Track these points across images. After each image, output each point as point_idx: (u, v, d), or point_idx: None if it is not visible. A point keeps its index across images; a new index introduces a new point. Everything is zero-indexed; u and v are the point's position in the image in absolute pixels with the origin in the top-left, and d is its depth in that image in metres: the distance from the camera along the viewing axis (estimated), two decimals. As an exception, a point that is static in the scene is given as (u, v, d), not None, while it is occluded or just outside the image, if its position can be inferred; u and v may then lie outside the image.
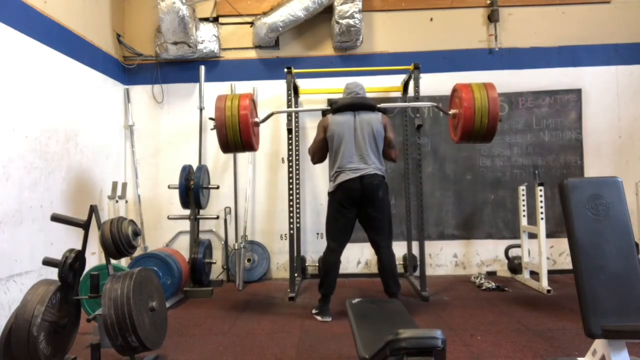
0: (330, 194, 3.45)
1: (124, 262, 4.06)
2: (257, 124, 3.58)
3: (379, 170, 3.37)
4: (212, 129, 3.44)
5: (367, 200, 3.32)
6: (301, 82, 4.75)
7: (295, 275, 4.07)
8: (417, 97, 4.06)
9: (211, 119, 3.42)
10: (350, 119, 3.41)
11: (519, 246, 4.45)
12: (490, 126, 3.27)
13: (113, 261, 2.56)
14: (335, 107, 3.48)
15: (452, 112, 3.52)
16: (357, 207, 3.36)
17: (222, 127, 3.31)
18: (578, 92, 4.88)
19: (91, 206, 2.49)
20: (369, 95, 4.87)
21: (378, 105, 3.51)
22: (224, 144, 3.40)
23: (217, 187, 4.64)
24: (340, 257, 3.43)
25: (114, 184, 4.42)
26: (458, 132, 3.42)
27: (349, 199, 3.33)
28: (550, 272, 4.12)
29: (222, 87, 4.99)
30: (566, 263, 4.76)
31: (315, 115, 5.01)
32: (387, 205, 3.40)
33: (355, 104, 3.45)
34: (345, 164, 3.34)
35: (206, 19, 4.98)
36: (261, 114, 3.76)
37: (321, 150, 3.54)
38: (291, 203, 4.12)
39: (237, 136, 3.33)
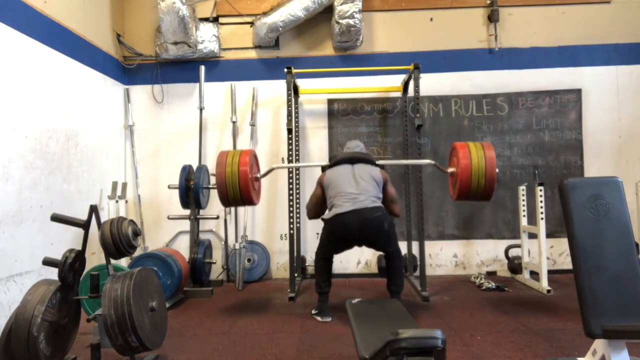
0: (325, 221, 3.37)
1: (124, 262, 4.06)
2: (257, 179, 3.58)
3: (379, 203, 3.28)
4: (213, 185, 3.43)
5: (370, 238, 3.26)
6: (301, 82, 4.75)
7: (295, 275, 4.07)
8: (417, 97, 4.06)
9: (213, 175, 3.43)
10: (348, 169, 3.39)
11: (519, 246, 4.45)
12: (487, 187, 3.24)
13: (113, 261, 2.56)
14: (333, 161, 3.50)
15: (450, 170, 3.51)
16: (356, 244, 3.34)
17: (223, 183, 3.31)
18: (578, 92, 4.88)
19: (91, 206, 2.49)
20: (368, 95, 4.93)
21: (377, 162, 3.51)
22: (224, 200, 3.40)
23: (217, 187, 4.64)
24: (332, 256, 3.45)
25: (114, 184, 4.42)
26: (456, 190, 3.40)
27: (345, 236, 3.26)
28: (550, 272, 4.12)
29: (222, 87, 4.99)
30: (566, 263, 4.76)
31: (315, 115, 5.01)
32: (394, 233, 3.33)
33: (353, 158, 3.45)
34: (342, 196, 3.25)
35: (206, 19, 4.98)
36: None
37: (318, 206, 3.49)
38: (291, 203, 4.12)
39: (237, 192, 3.32)
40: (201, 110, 4.86)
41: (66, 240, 3.67)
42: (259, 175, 3.60)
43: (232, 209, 4.82)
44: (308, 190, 4.91)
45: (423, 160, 3.92)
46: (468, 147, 3.31)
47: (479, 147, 3.30)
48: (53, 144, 3.68)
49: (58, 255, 2.44)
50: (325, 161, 3.69)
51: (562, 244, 4.74)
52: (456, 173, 3.37)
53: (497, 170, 3.23)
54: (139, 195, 4.93)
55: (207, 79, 4.93)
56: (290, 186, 4.16)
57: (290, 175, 4.21)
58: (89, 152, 4.24)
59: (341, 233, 3.26)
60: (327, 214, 3.35)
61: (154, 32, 5.01)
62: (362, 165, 3.40)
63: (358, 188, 3.26)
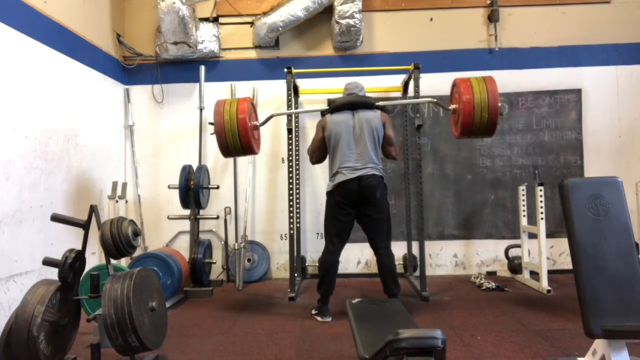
0: (328, 193, 3.45)
1: (124, 262, 4.06)
2: (256, 127, 3.57)
3: (378, 170, 3.35)
4: (211, 134, 3.41)
5: (365, 201, 3.30)
6: (301, 82, 4.75)
7: (295, 275, 4.07)
8: (417, 97, 4.06)
9: (210, 123, 3.41)
10: (349, 118, 3.40)
11: (519, 246, 4.45)
12: (490, 121, 3.20)
13: (113, 261, 2.56)
14: (333, 106, 3.47)
15: (452, 107, 3.46)
16: (355, 208, 3.35)
17: (222, 131, 3.29)
18: (578, 92, 4.88)
19: (91, 206, 2.49)
20: (369, 95, 4.92)
21: (377, 103, 3.49)
22: (224, 149, 3.37)
23: (217, 187, 4.64)
24: (339, 258, 3.42)
25: (114, 184, 4.42)
26: (458, 127, 3.37)
27: (347, 199, 3.32)
28: (550, 272, 4.12)
29: (222, 87, 4.99)
30: (566, 263, 4.76)
31: (315, 116, 5.00)
32: (385, 205, 3.39)
33: (353, 103, 3.43)
34: (343, 164, 3.33)
35: (206, 19, 4.98)
36: (261, 115, 3.76)
37: (319, 150, 3.53)
38: (291, 203, 4.12)
39: (237, 140, 3.31)
40: (201, 110, 4.86)
41: (66, 240, 3.67)
42: (257, 124, 3.58)
43: (232, 208, 4.82)
44: (308, 190, 4.93)
45: (424, 99, 3.94)
46: (469, 81, 3.27)
47: (481, 80, 3.27)
48: (53, 144, 3.68)
49: (58, 255, 2.44)
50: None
51: (562, 244, 4.74)
52: (458, 109, 3.33)
53: (500, 103, 3.19)
54: (139, 195, 4.93)
55: (207, 79, 4.93)
56: (290, 186, 4.16)
57: (290, 175, 4.21)
58: (89, 152, 4.24)
59: (344, 196, 3.31)
60: (329, 185, 3.41)
61: (154, 32, 5.01)
62: (363, 113, 3.40)
63: (358, 150, 3.33)
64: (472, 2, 4.98)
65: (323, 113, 3.59)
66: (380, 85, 4.82)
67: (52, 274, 2.98)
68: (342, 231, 3.40)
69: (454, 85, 3.46)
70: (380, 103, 3.54)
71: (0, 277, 3.06)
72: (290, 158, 4.16)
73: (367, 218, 3.36)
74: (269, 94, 4.98)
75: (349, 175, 3.29)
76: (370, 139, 3.36)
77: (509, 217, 4.83)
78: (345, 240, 3.43)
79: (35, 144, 3.46)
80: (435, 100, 3.69)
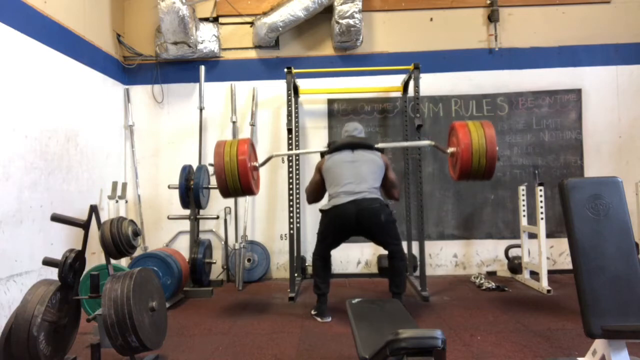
0: (323, 212, 3.36)
1: (124, 262, 4.06)
2: (256, 168, 3.55)
3: (378, 196, 3.27)
4: (211, 175, 3.39)
5: (367, 228, 3.24)
6: (301, 82, 4.75)
7: (295, 275, 4.07)
8: (417, 97, 4.06)
9: (210, 165, 3.39)
10: (348, 154, 3.38)
11: (519, 246, 4.45)
12: (488, 166, 3.19)
13: (113, 261, 2.56)
14: (333, 147, 3.48)
15: (449, 150, 3.46)
16: (353, 234, 3.31)
17: (221, 173, 3.26)
18: (578, 92, 4.88)
19: (91, 206, 2.49)
20: (368, 95, 4.93)
21: (376, 145, 3.49)
22: (224, 190, 3.34)
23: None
24: (330, 254, 3.42)
25: (114, 184, 4.42)
26: (457, 171, 3.36)
27: (343, 226, 3.25)
28: (550, 272, 4.12)
29: (222, 87, 4.99)
30: (566, 263, 4.75)
31: (315, 115, 5.01)
32: (392, 227, 3.29)
33: (352, 143, 3.43)
34: (340, 187, 3.25)
35: (206, 19, 4.98)
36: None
37: (317, 192, 3.48)
38: (291, 203, 4.12)
39: (237, 181, 3.27)
40: (201, 110, 4.86)
41: (66, 240, 3.67)
42: (257, 164, 3.58)
43: (232, 208, 4.82)
44: (308, 190, 4.92)
45: (423, 141, 3.87)
46: (467, 126, 3.26)
47: (479, 125, 3.25)
48: (53, 144, 3.68)
49: (58, 255, 2.44)
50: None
51: (562, 244, 4.74)
52: (457, 153, 3.32)
53: (497, 147, 3.18)
54: (139, 195, 4.93)
55: (207, 79, 4.93)
56: (290, 186, 4.16)
57: (290, 175, 4.21)
58: (89, 152, 4.24)
59: (339, 222, 3.24)
60: (325, 205, 3.33)
61: (154, 32, 5.01)
62: (362, 152, 3.38)
63: (357, 178, 3.25)
64: (472, 2, 4.98)
65: (323, 154, 3.58)
66: (380, 85, 4.82)
67: (52, 274, 2.98)
68: (335, 245, 3.41)
69: (452, 129, 3.44)
70: (380, 145, 3.54)
71: (0, 277, 3.06)
72: (290, 158, 4.16)
73: (373, 240, 3.36)
74: (269, 94, 4.98)
75: (345, 199, 3.20)
76: (370, 173, 3.30)
77: (509, 217, 4.83)
78: (338, 245, 3.46)
79: (35, 144, 3.46)
80: (433, 143, 3.64)
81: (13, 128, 3.21)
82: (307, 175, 4.89)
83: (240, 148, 3.29)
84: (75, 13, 4.09)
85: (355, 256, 4.87)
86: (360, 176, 3.26)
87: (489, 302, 3.72)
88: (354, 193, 3.21)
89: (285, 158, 4.79)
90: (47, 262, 2.41)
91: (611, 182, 1.92)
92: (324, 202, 3.45)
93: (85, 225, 2.47)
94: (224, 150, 3.30)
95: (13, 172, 3.20)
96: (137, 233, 2.56)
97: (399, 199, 3.62)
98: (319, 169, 3.47)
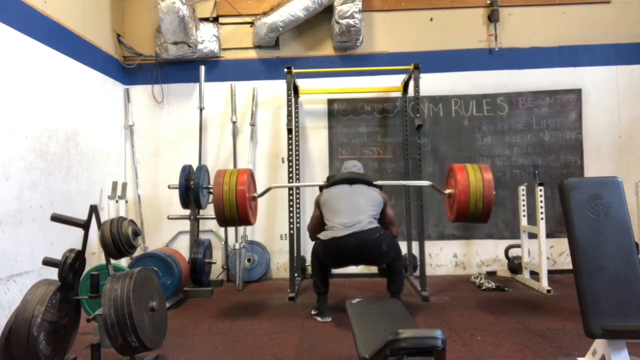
0: (321, 242, 3.27)
1: (124, 262, 4.06)
2: (254, 199, 3.57)
3: (376, 223, 3.24)
4: (209, 203, 3.40)
5: (368, 258, 3.26)
6: (301, 82, 4.75)
7: (295, 275, 4.07)
8: (417, 97, 4.06)
9: (210, 193, 3.41)
10: (346, 187, 3.39)
11: (519, 246, 4.45)
12: (485, 210, 3.23)
13: (113, 261, 2.56)
14: (331, 181, 3.49)
15: (447, 192, 3.50)
16: (353, 264, 3.32)
17: (220, 202, 3.28)
18: (578, 92, 4.88)
19: (91, 206, 2.49)
20: (368, 95, 4.93)
21: (375, 182, 3.50)
22: (221, 219, 3.37)
23: (217, 187, 4.64)
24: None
25: (114, 184, 4.42)
26: (453, 212, 3.40)
27: (341, 257, 3.22)
28: (550, 272, 4.12)
29: (222, 87, 4.99)
30: (566, 263, 4.75)
31: (315, 115, 5.01)
32: (393, 251, 3.26)
33: (351, 178, 3.44)
34: (338, 218, 3.22)
35: (206, 19, 4.98)
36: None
37: (319, 226, 3.41)
38: (291, 203, 4.12)
39: (234, 211, 3.29)
40: (201, 110, 4.85)
41: (66, 240, 3.67)
42: (256, 195, 3.58)
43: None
44: (308, 190, 4.92)
45: (422, 181, 3.89)
46: (466, 169, 3.31)
47: (477, 169, 3.30)
48: (53, 144, 3.68)
49: (58, 255, 2.44)
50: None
51: (562, 244, 4.74)
52: (454, 195, 3.38)
53: (494, 192, 3.22)
54: (139, 195, 4.93)
55: (207, 79, 4.93)
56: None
57: (290, 175, 4.21)
58: (89, 152, 4.24)
59: (337, 255, 3.21)
60: (324, 235, 3.26)
61: (154, 32, 5.01)
62: (361, 186, 3.40)
63: (355, 209, 3.22)
64: (472, 2, 4.98)
65: (321, 188, 3.59)
66: (380, 85, 4.82)
67: (52, 274, 2.98)
68: (333, 268, 3.44)
69: (451, 170, 3.48)
70: (379, 182, 3.56)
71: (0, 277, 3.06)
72: (290, 158, 4.16)
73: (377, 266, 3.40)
74: (269, 94, 4.98)
75: (342, 232, 3.14)
76: (368, 205, 3.27)
77: (509, 217, 4.83)
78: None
79: (35, 144, 3.46)
80: (431, 184, 3.66)
81: (13, 128, 3.21)
82: (307, 176, 4.91)
83: (240, 178, 3.31)
84: (75, 13, 4.09)
85: (355, 256, 4.87)
86: (357, 208, 3.24)
87: (489, 302, 3.72)
88: (351, 225, 3.16)
89: (285, 158, 4.79)
90: (47, 262, 2.41)
91: (611, 182, 1.92)
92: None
93: (85, 225, 2.47)
94: (224, 179, 3.32)
95: (13, 172, 3.20)
96: (137, 233, 2.56)
97: (397, 237, 3.49)
98: (317, 203, 3.44)
